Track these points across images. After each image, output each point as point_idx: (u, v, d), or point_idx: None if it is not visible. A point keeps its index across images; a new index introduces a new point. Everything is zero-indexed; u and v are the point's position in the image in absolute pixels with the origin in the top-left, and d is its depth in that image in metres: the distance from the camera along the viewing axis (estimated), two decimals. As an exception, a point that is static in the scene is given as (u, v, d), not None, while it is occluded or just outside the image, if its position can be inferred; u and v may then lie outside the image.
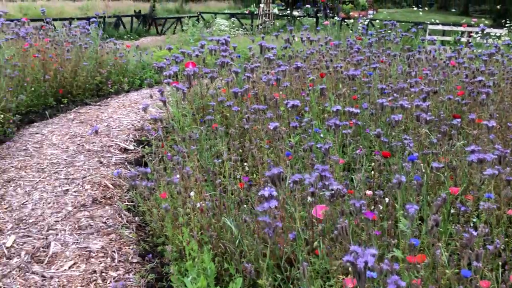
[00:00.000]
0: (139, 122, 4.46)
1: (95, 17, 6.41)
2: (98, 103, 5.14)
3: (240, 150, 2.65)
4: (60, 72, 4.88)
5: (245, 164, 2.71)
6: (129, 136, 4.06)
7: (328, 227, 1.60)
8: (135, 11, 15.66)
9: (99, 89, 5.50)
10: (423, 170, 1.96)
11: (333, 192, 1.44)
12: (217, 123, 2.92)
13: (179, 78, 3.64)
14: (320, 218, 1.55)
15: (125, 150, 3.77)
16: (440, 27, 10.28)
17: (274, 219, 1.42)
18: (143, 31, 14.15)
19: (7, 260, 2.19)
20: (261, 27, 13.59)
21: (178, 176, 2.18)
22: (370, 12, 20.78)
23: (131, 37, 12.02)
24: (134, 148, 3.82)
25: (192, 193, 2.19)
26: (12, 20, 5.53)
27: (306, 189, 1.80)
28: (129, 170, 3.34)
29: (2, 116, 3.90)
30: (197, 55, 3.70)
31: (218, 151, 2.64)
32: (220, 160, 2.39)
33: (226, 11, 20.12)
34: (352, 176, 2.03)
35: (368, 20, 11.45)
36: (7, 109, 3.99)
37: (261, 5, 14.56)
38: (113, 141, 3.91)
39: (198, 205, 2.06)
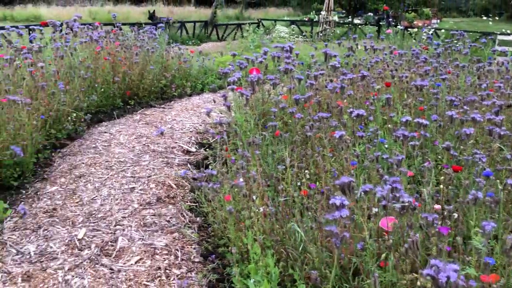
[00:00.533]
0: (200, 125, 4.57)
1: (161, 22, 6.63)
2: (162, 106, 5.32)
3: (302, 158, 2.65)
4: (128, 74, 5.11)
5: (306, 171, 2.71)
6: (191, 138, 4.17)
7: (396, 240, 1.57)
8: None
9: (163, 92, 5.70)
10: (497, 187, 1.88)
11: (404, 204, 1.42)
12: (279, 130, 2.94)
13: (242, 84, 3.70)
14: (389, 230, 1.52)
15: (188, 152, 3.87)
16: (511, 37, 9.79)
17: (343, 229, 1.41)
18: (204, 36, 14.51)
19: (79, 251, 2.31)
20: (321, 34, 13.55)
21: (241, 179, 2.22)
22: (434, 21, 20.16)
23: (193, 43, 12.35)
24: (196, 150, 3.92)
25: (254, 197, 2.21)
26: (84, 24, 5.84)
27: (372, 200, 1.78)
28: (191, 171, 3.44)
29: (74, 114, 4.13)
30: (260, 62, 3.74)
31: (281, 157, 2.66)
32: (283, 166, 2.41)
33: (285, 18, 20.22)
34: (420, 189, 1.98)
35: (433, 30, 11.10)
36: (79, 108, 4.22)
37: (322, 13, 14.51)
38: (176, 142, 4.03)
39: (261, 209, 2.08)
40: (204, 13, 25.54)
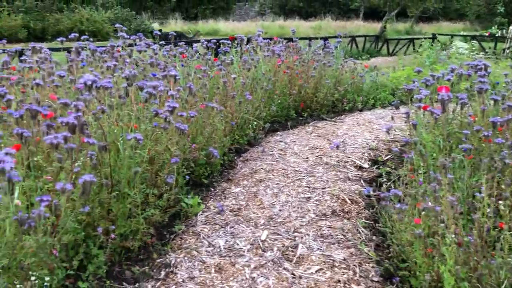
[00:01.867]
0: (373, 141, 4.50)
1: (336, 37, 6.73)
2: (333, 119, 5.38)
3: (502, 187, 2.41)
4: (304, 87, 5.29)
5: (500, 202, 2.46)
6: (364, 154, 4.13)
7: None
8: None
9: (334, 106, 5.76)
10: None
11: None
12: (471, 154, 2.73)
13: (426, 102, 3.53)
14: None
15: (360, 168, 3.84)
16: None
17: None
18: (374, 51, 14.31)
19: (262, 252, 2.46)
20: (508, 51, 12.24)
21: (431, 203, 2.11)
22: None
23: (363, 57, 12.28)
24: (369, 167, 3.86)
25: (446, 223, 2.09)
26: (265, 39, 6.23)
27: None
28: (365, 187, 3.40)
29: (255, 123, 4.42)
30: (448, 79, 3.53)
31: (474, 183, 2.46)
32: (480, 194, 2.22)
33: (462, 33, 18.78)
34: None
35: None
36: (259, 117, 4.50)
37: (511, 28, 13.08)
38: (348, 157, 4.03)
39: (454, 237, 1.95)
40: (372, 27, 25.22)
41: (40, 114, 2.17)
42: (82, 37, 4.26)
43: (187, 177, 2.91)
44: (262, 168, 3.70)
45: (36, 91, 3.00)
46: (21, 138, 1.99)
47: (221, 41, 5.40)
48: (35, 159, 2.17)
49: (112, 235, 2.22)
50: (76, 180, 1.97)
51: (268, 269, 2.29)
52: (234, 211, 2.96)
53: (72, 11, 21.09)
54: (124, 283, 2.20)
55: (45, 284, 1.70)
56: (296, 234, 2.67)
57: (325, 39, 8.74)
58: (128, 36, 4.20)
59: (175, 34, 6.66)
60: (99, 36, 18.82)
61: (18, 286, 1.63)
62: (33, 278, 1.69)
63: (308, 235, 2.67)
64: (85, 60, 3.53)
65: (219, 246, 2.52)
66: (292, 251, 2.48)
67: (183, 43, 5.37)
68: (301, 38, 11.80)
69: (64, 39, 4.37)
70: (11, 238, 1.66)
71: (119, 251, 2.36)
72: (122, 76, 2.69)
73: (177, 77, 3.04)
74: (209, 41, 5.24)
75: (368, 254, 2.50)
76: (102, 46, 4.14)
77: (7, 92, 2.38)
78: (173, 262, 2.37)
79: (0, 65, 3.37)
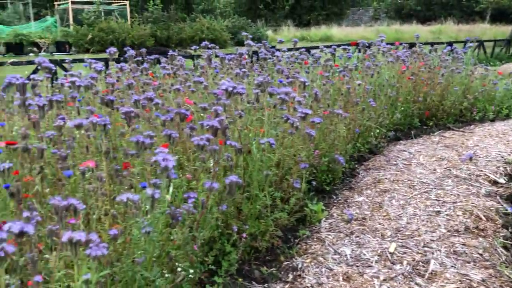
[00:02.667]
0: (509, 155, 4.12)
1: (461, 42, 6.30)
2: (461, 129, 5.04)
3: None
4: (430, 95, 5.03)
5: None
6: (499, 168, 3.80)
7: None
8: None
9: (462, 115, 5.40)
10: None
11: None
12: None
13: None
14: None
15: (495, 183, 3.54)
16: None
17: None
18: (505, 56, 13.12)
19: (391, 264, 2.38)
20: None
21: None
22: None
23: (491, 63, 11.33)
24: (505, 182, 3.55)
25: None
26: (388, 44, 6.04)
27: None
28: (501, 204, 3.13)
29: (377, 130, 4.31)
30: None
31: None
32: None
33: None
34: None
35: None
36: (382, 125, 4.38)
37: None
38: (481, 170, 3.74)
39: None
40: (501, 30, 23.15)
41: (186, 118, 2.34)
42: (209, 45, 4.52)
43: (314, 183, 2.93)
44: (386, 178, 3.59)
45: (174, 96, 3.26)
46: (170, 138, 2.16)
47: (341, 47, 5.36)
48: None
49: (244, 234, 2.31)
50: (215, 180, 2.09)
51: (399, 283, 2.20)
52: (359, 220, 2.91)
53: (193, 20, 22.50)
54: (253, 282, 2.28)
55: (190, 276, 1.82)
56: (426, 248, 2.54)
57: (449, 44, 8.23)
58: (254, 44, 4.36)
59: (297, 41, 6.74)
60: (217, 43, 19.81)
61: (166, 275, 1.77)
62: (179, 269, 1.82)
63: (440, 251, 2.52)
64: (217, 67, 3.74)
65: (346, 255, 2.49)
66: (423, 266, 2.36)
67: (304, 49, 5.44)
68: (422, 43, 11.26)
69: (197, 47, 4.68)
70: (160, 230, 1.81)
71: (249, 251, 2.45)
72: (255, 83, 2.79)
73: (306, 83, 3.07)
74: (329, 47, 5.23)
75: (510, 277, 2.29)
76: (229, 54, 4.35)
77: (154, 96, 2.61)
78: (299, 266, 2.40)
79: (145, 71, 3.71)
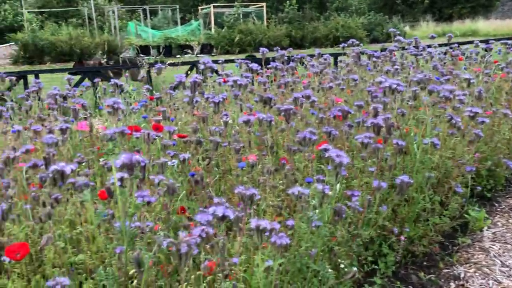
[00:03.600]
0: None
1: None
2: None
3: None
4: None
5: None
6: None
7: None
8: None
9: None
10: None
11: None
12: None
13: None
14: None
15: None
16: None
17: None
18: None
19: None
20: None
21: None
22: None
23: None
24: None
25: None
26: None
27: None
28: None
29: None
30: None
31: None
32: None
33: None
34: None
35: None
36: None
37: None
38: None
39: None
40: None
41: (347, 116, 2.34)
42: (354, 43, 4.45)
43: (478, 188, 2.71)
44: None
45: (323, 94, 3.29)
46: (329, 135, 2.18)
47: (500, 41, 4.88)
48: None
49: (402, 237, 2.23)
50: (371, 178, 2.05)
51: None
52: (529, 232, 2.63)
53: (327, 18, 22.42)
54: (410, 287, 2.19)
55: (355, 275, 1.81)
56: None
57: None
58: (405, 40, 4.19)
59: (451, 35, 6.31)
60: (352, 41, 19.50)
61: (329, 270, 1.78)
62: (342, 265, 1.82)
63: None
64: (370, 64, 3.67)
65: (516, 268, 2.27)
66: None
67: (457, 45, 5.07)
68: None
69: (338, 46, 4.66)
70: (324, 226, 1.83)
71: (405, 254, 2.36)
72: (414, 80, 2.67)
73: (471, 80, 2.85)
74: (486, 41, 4.80)
75: None
76: (375, 51, 4.23)
77: (312, 94, 2.65)
78: (462, 275, 2.24)
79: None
